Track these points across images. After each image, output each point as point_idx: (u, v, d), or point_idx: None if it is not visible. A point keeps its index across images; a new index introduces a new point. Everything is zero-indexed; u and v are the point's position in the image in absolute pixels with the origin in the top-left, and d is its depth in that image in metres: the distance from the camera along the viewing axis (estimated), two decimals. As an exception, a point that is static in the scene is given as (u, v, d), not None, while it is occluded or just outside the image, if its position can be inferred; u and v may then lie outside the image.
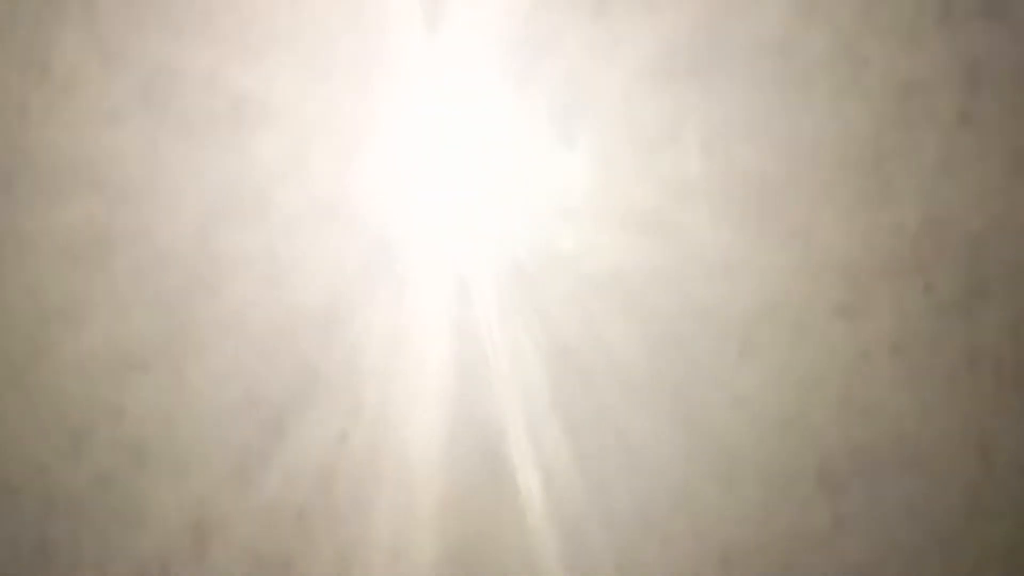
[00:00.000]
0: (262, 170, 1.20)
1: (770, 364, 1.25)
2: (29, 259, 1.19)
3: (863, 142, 1.20)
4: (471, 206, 1.26)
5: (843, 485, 1.26)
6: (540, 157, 1.26)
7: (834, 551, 1.27)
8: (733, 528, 1.27)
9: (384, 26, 1.22)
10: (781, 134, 1.24)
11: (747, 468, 1.27)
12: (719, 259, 1.21)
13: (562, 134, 1.26)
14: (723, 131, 1.24)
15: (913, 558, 1.26)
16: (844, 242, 1.19)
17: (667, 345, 1.22)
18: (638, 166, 1.27)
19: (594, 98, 1.27)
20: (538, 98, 1.25)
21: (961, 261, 1.20)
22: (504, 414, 1.24)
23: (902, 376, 1.22)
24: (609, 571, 1.28)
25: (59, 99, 1.17)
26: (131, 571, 1.18)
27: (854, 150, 1.20)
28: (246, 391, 1.22)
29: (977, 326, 1.21)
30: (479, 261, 1.25)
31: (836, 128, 1.23)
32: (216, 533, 1.18)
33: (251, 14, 1.20)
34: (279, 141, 1.20)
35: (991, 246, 1.22)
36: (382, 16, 1.21)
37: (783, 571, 1.26)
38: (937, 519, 1.23)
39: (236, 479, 1.18)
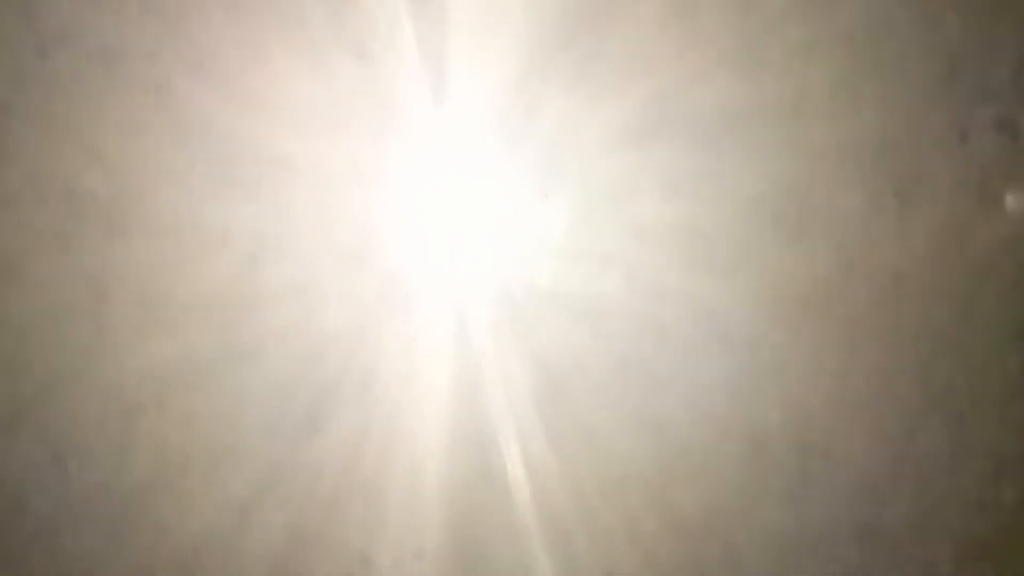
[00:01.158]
0: (294, 217, 1.44)
1: (719, 373, 1.50)
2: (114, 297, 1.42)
3: (791, 196, 1.46)
4: (468, 247, 1.50)
5: (795, 478, 1.51)
6: (526, 205, 1.51)
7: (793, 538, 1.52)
8: (701, 518, 1.51)
9: (396, 96, 1.47)
10: (726, 187, 1.50)
11: (706, 466, 1.52)
12: (673, 289, 1.46)
13: (544, 186, 1.52)
14: (677, 184, 1.50)
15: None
16: (772, 277, 1.45)
17: (631, 362, 1.47)
18: (607, 213, 1.53)
19: (571, 156, 1.52)
20: (525, 156, 1.50)
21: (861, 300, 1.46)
22: (495, 421, 1.48)
23: (827, 381, 1.47)
24: (584, 547, 1.52)
25: (167, 160, 1.41)
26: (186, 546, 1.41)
27: (782, 203, 1.46)
28: (279, 400, 1.45)
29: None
30: (475, 292, 1.50)
31: (771, 182, 1.50)
32: (256, 512, 1.41)
33: (288, 88, 1.44)
34: (307, 193, 1.45)
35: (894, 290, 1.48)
36: (395, 89, 1.46)
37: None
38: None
39: (274, 469, 1.41)
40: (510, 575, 1.49)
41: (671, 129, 1.50)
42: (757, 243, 1.46)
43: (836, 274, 1.45)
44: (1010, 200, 1.48)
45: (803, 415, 1.54)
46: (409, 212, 1.49)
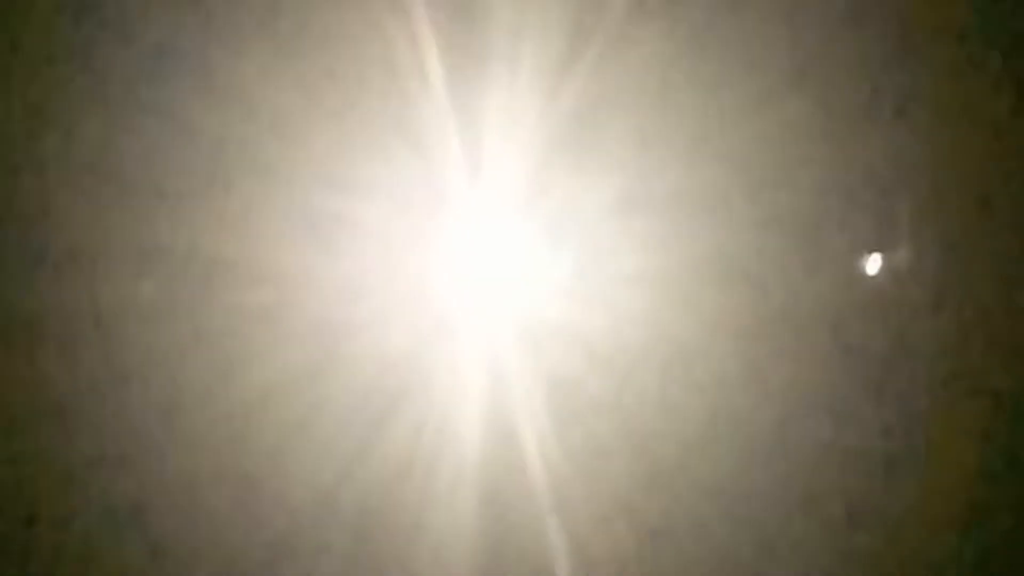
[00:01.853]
0: (363, 267, 1.85)
1: (702, 395, 1.90)
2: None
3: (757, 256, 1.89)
4: (497, 290, 1.92)
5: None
6: (541, 259, 1.93)
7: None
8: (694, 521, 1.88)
9: (441, 175, 1.89)
10: (700, 246, 1.91)
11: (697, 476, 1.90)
12: (657, 325, 1.87)
13: (555, 244, 1.93)
14: (660, 244, 1.92)
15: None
16: (736, 317, 1.86)
17: (633, 386, 1.87)
18: (605, 264, 1.94)
19: (577, 220, 1.93)
20: (540, 220, 1.92)
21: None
22: (522, 432, 1.87)
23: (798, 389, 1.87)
24: (595, 546, 1.90)
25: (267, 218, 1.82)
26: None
27: (746, 261, 1.88)
28: (349, 410, 1.84)
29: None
30: (502, 326, 1.91)
31: (738, 244, 1.91)
32: (344, 492, 1.79)
33: (359, 166, 1.86)
34: (373, 248, 1.86)
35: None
36: (440, 169, 1.88)
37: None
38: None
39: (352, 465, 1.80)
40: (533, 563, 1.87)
41: (655, 199, 1.93)
42: (727, 291, 1.87)
43: (780, 315, 1.87)
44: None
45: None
46: (451, 264, 1.91)
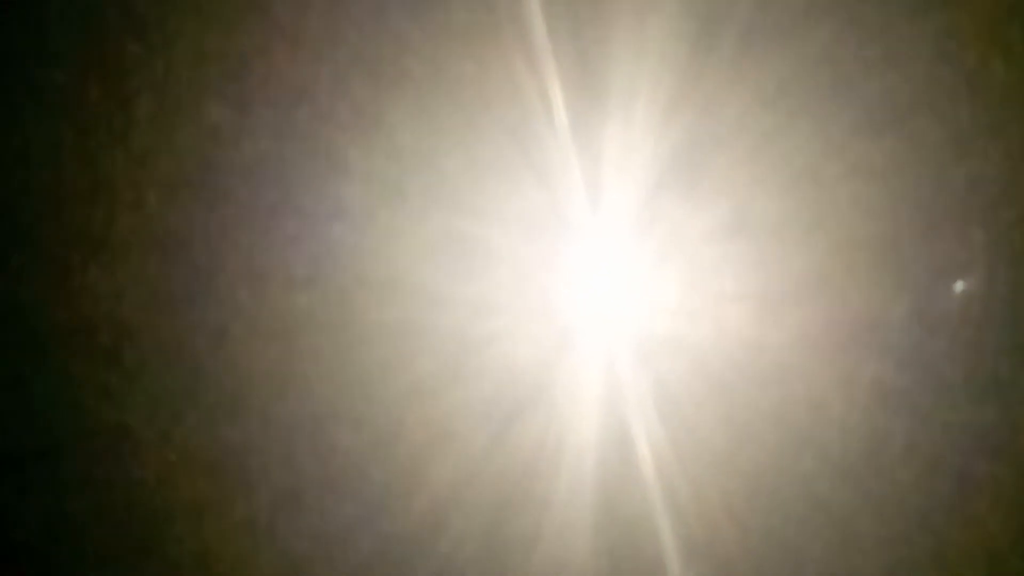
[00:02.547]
0: (498, 285, 2.06)
1: (800, 406, 2.08)
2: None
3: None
4: (613, 307, 2.11)
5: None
6: (652, 278, 2.12)
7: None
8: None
9: (564, 204, 2.09)
10: (804, 274, 2.10)
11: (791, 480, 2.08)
12: (750, 337, 2.06)
13: (664, 265, 2.12)
14: (756, 265, 2.11)
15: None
16: (849, 325, 2.05)
17: (736, 396, 2.06)
18: (707, 284, 2.13)
19: (681, 243, 2.13)
20: (651, 245, 2.12)
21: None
22: (636, 437, 2.06)
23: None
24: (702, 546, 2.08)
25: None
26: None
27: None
28: (478, 421, 2.04)
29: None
30: (618, 340, 2.10)
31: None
32: (473, 494, 1.99)
33: (493, 196, 2.06)
34: (506, 270, 2.06)
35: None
36: (563, 198, 2.09)
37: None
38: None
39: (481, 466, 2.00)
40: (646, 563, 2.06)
41: (755, 224, 2.12)
42: (820, 308, 2.06)
43: (868, 330, 2.05)
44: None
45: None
46: (571, 283, 2.11)
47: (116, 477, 2.11)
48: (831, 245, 2.10)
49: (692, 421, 2.06)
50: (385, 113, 2.10)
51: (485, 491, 2.04)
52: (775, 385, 2.09)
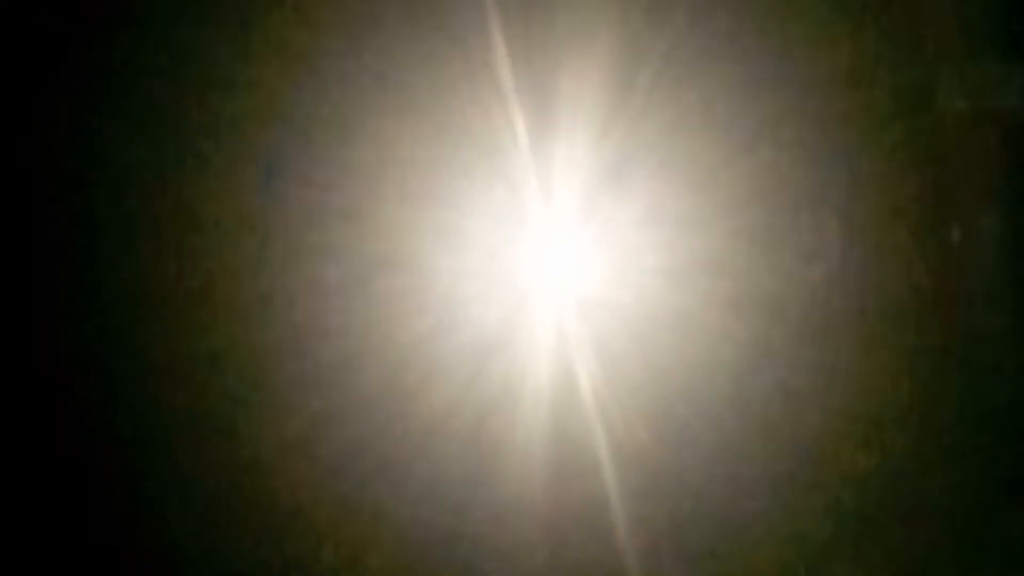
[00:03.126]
0: (470, 260, 2.70)
1: (742, 367, 2.75)
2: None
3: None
4: (561, 282, 2.77)
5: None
6: (594, 261, 2.78)
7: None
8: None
9: (529, 202, 2.73)
10: (708, 254, 2.77)
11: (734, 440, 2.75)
12: (678, 310, 2.73)
13: (603, 250, 2.78)
14: (684, 253, 2.77)
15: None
16: (741, 293, 2.73)
17: (656, 344, 2.72)
18: (641, 267, 2.79)
19: (618, 234, 2.78)
20: (592, 232, 2.77)
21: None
22: (579, 374, 2.72)
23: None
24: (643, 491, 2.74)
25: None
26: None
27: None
28: (458, 361, 2.68)
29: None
30: (565, 307, 2.76)
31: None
32: (455, 414, 2.63)
33: (472, 198, 2.70)
34: (472, 251, 2.70)
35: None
36: (527, 198, 2.73)
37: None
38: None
39: (462, 394, 2.64)
40: (584, 460, 2.70)
41: (672, 214, 2.79)
42: (720, 281, 2.74)
43: (752, 298, 2.73)
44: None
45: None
46: (529, 258, 2.77)
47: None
48: (725, 232, 2.78)
49: (621, 364, 2.72)
50: (374, 121, 2.73)
51: (464, 415, 2.67)
52: (683, 338, 2.76)
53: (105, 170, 2.85)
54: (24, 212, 2.84)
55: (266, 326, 2.74)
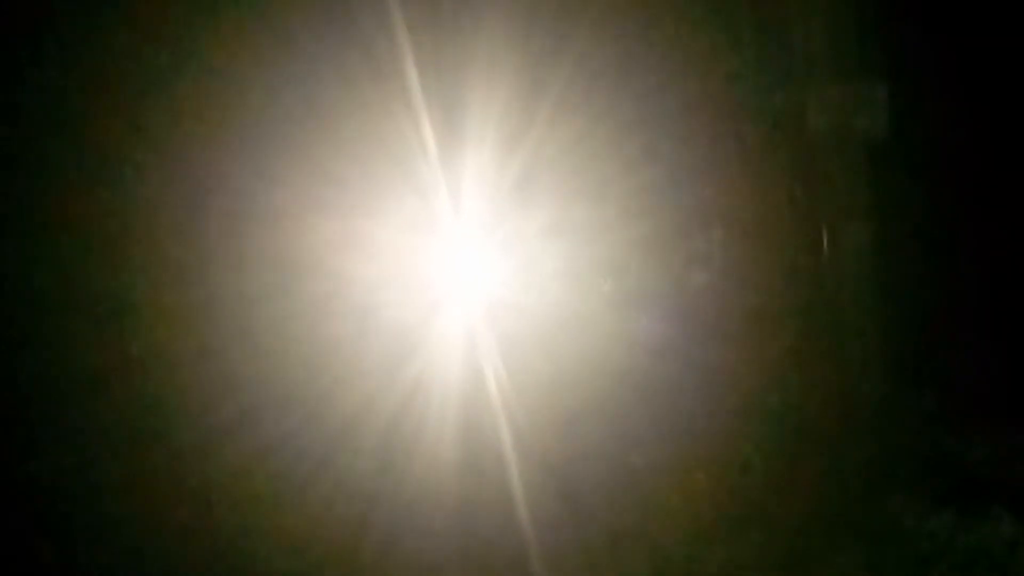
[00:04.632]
0: (385, 270, 2.89)
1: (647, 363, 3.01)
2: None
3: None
4: (471, 284, 2.99)
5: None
6: (500, 265, 3.00)
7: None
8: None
9: (439, 212, 2.94)
10: (599, 260, 3.03)
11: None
12: (572, 305, 2.97)
13: (508, 255, 3.00)
14: (579, 259, 3.02)
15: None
16: (626, 291, 2.98)
17: (555, 334, 2.96)
18: (541, 270, 3.03)
19: (522, 242, 3.01)
20: (499, 240, 3.00)
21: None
22: (487, 365, 2.94)
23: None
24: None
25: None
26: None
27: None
28: (376, 361, 2.87)
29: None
30: (475, 306, 2.98)
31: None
32: (371, 410, 2.82)
33: (379, 199, 2.89)
34: (391, 267, 2.90)
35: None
36: (438, 208, 2.94)
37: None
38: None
39: (377, 391, 2.83)
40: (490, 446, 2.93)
41: (569, 225, 3.03)
42: (609, 281, 2.99)
43: (637, 295, 3.00)
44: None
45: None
46: (441, 264, 2.98)
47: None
48: (618, 240, 3.04)
49: (524, 358, 2.96)
50: (294, 134, 2.91)
51: (380, 409, 2.86)
52: (579, 334, 3.01)
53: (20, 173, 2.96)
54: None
55: (187, 331, 2.89)
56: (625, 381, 2.98)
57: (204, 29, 3.00)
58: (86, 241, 2.89)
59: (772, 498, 3.11)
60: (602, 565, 2.93)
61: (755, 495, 3.10)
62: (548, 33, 2.90)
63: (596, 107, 2.97)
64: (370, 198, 2.96)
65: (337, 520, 2.92)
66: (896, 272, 3.31)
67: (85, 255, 2.91)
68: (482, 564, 2.93)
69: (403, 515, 2.92)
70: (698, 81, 3.11)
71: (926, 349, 3.32)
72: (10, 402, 2.87)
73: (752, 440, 3.10)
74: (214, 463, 2.88)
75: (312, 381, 2.88)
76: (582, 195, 3.00)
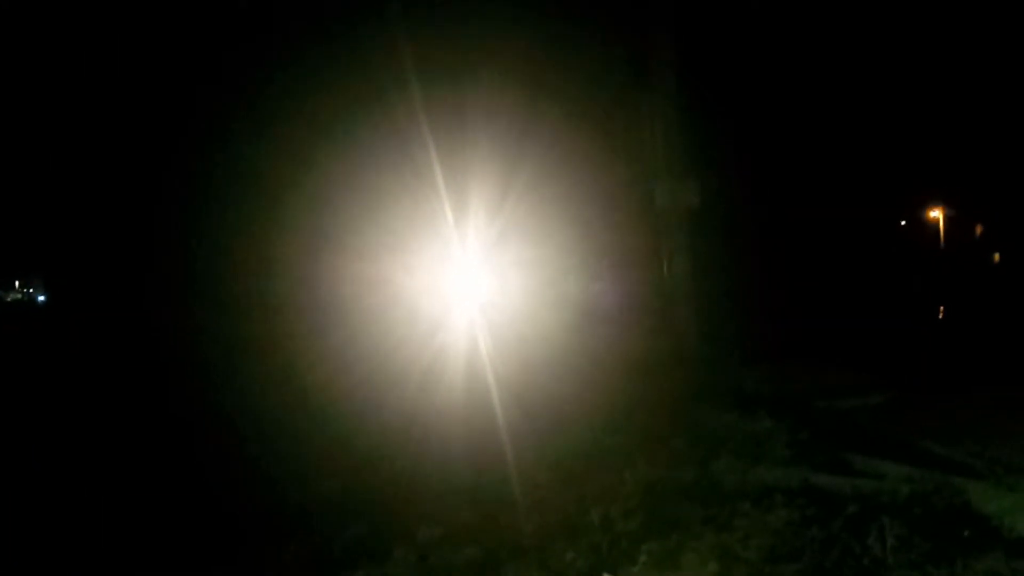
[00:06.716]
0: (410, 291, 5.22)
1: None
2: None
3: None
4: (471, 291, 5.34)
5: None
6: (486, 284, 5.38)
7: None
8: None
9: (441, 232, 5.28)
10: (545, 282, 5.43)
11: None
12: (531, 311, 5.35)
13: (496, 274, 5.37)
14: (533, 278, 5.42)
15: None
16: (560, 302, 5.38)
17: (523, 330, 5.33)
18: (518, 287, 5.40)
19: (504, 266, 5.38)
20: (489, 262, 5.36)
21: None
22: (482, 352, 5.28)
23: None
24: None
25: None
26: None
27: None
28: (402, 346, 5.20)
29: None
30: (472, 310, 5.33)
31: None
32: (395, 389, 5.15)
33: (413, 248, 5.23)
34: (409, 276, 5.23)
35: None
36: (441, 229, 5.28)
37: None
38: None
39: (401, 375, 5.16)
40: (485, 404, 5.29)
41: (531, 255, 5.43)
42: (553, 298, 5.40)
43: (562, 303, 5.41)
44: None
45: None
46: (449, 279, 5.33)
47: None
48: (555, 267, 5.45)
49: (508, 343, 5.32)
50: (372, 207, 5.24)
51: (421, 360, 5.17)
52: (534, 321, 5.40)
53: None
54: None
55: (312, 318, 5.18)
56: (560, 347, 5.38)
57: (321, 147, 5.31)
58: (261, 262, 5.16)
59: (638, 409, 5.55)
60: (545, 444, 5.32)
61: (629, 407, 5.54)
62: (517, 143, 5.31)
63: (545, 190, 5.38)
64: (413, 243, 5.30)
65: (397, 416, 5.23)
66: (707, 283, 5.83)
67: (259, 270, 5.17)
68: (478, 445, 5.29)
69: (433, 418, 5.24)
70: (604, 177, 5.57)
71: (724, 325, 5.85)
72: (217, 354, 5.12)
73: (627, 378, 5.55)
74: (328, 391, 5.16)
75: (382, 347, 5.18)
76: (536, 241, 5.40)
